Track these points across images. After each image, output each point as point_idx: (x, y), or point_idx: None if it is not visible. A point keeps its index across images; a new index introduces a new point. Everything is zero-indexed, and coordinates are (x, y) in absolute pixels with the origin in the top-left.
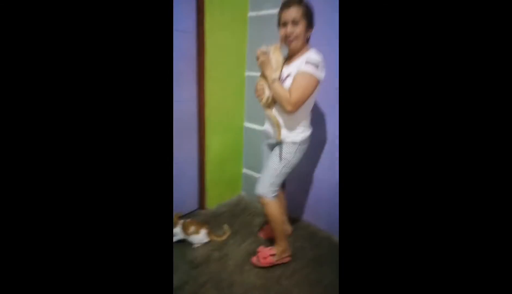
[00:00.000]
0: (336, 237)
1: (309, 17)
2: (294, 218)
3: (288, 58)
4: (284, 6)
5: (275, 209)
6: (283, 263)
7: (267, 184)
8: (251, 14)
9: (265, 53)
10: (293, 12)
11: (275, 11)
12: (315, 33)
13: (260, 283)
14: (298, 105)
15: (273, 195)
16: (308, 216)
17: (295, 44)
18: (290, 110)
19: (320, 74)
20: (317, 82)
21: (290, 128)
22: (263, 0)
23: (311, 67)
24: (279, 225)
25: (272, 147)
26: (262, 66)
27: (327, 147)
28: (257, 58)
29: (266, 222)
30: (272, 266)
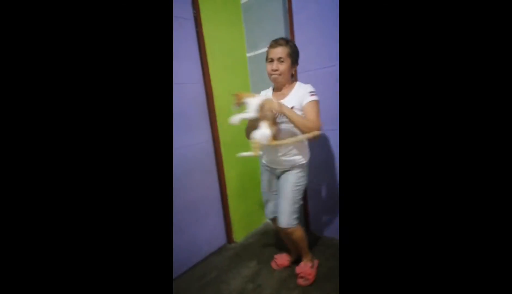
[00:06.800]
0: None
1: (294, 56)
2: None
3: (275, 90)
4: (272, 45)
5: (301, 233)
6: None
7: (289, 215)
8: (249, 54)
9: (271, 111)
10: (279, 51)
11: None
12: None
13: None
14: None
15: (296, 222)
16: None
17: (280, 79)
18: (319, 134)
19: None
20: None
21: (300, 150)
22: (258, 40)
23: (315, 96)
24: (305, 242)
25: (278, 175)
26: (266, 119)
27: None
28: (264, 112)
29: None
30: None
